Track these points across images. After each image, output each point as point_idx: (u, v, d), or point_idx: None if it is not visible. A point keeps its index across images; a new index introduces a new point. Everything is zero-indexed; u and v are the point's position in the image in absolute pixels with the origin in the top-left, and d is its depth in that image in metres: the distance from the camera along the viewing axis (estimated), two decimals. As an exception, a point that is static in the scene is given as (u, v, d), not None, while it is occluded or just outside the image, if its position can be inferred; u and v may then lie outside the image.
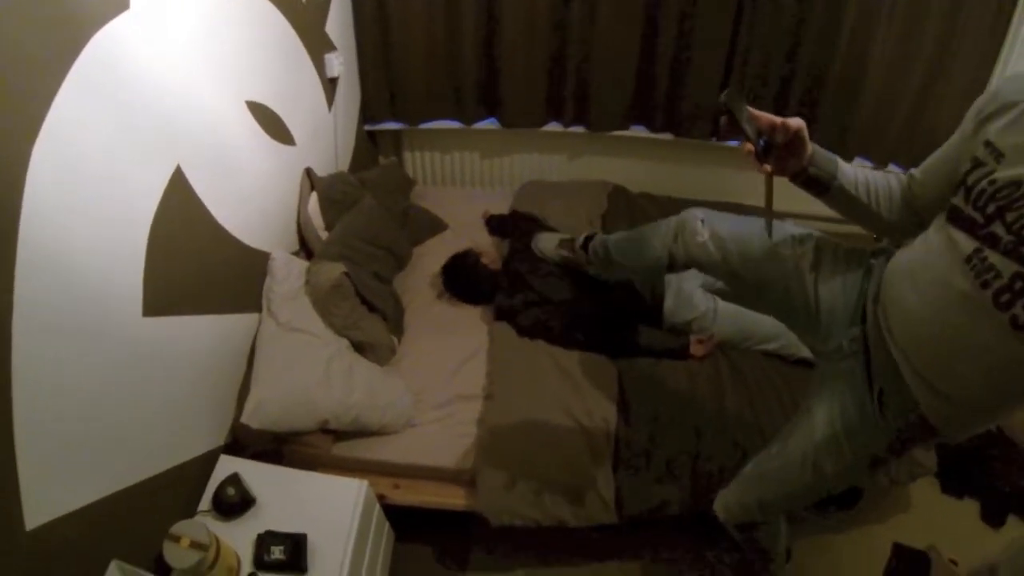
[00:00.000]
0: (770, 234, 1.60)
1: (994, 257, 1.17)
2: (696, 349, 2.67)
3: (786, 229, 1.75)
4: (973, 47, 3.28)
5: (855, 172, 1.52)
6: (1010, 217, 1.15)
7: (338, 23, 3.20)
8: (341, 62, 3.18)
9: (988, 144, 1.23)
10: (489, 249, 3.26)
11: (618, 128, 3.89)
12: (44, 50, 1.44)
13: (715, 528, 2.03)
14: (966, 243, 1.23)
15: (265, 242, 2.52)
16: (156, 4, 1.80)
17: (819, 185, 1.51)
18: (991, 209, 1.19)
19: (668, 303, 2.76)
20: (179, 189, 1.95)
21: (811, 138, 1.45)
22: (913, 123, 3.54)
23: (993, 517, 2.74)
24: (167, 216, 1.87)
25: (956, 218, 1.28)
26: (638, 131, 3.91)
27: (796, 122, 1.40)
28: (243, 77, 2.34)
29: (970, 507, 2.79)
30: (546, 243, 2.83)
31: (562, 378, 2.57)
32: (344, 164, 3.45)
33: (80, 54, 1.53)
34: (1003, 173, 1.18)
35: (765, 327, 2.66)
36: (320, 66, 3.00)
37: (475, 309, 2.99)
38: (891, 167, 3.67)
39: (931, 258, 1.33)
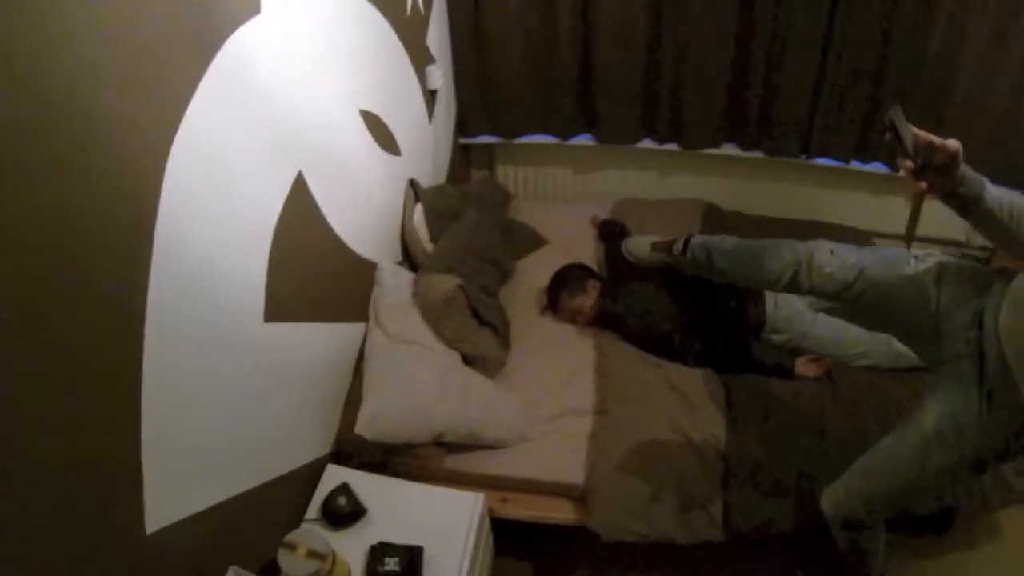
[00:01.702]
0: (909, 246, 1.65)
1: None
2: (806, 368, 2.63)
3: (908, 252, 1.81)
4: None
5: (1000, 194, 1.53)
6: None
7: (437, 36, 3.20)
8: (441, 74, 3.17)
9: None
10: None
11: (711, 146, 3.85)
12: (184, 50, 1.44)
13: (816, 543, 2.08)
14: None
15: (372, 252, 2.51)
16: (284, 9, 1.80)
17: (966, 205, 1.52)
18: None
19: (768, 306, 2.74)
20: (300, 195, 1.95)
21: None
22: (1004, 136, 3.46)
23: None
24: (288, 222, 1.86)
25: None
26: (730, 149, 3.88)
27: (954, 144, 1.42)
28: (358, 86, 2.34)
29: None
30: (638, 246, 2.79)
31: (672, 394, 2.54)
32: (441, 177, 3.44)
33: (216, 55, 1.53)
34: None
35: (859, 336, 2.65)
36: (422, 78, 2.99)
37: (579, 323, 2.96)
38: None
39: None
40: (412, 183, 2.88)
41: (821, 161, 3.79)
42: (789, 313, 2.73)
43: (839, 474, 1.97)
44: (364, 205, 2.44)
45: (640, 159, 4.02)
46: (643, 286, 2.86)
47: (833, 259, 1.93)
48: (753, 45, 3.48)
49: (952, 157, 1.43)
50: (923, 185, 1.44)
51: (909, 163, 1.44)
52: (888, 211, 3.88)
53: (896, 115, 1.43)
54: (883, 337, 2.52)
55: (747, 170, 4.00)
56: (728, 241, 2.31)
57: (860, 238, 3.50)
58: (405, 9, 2.73)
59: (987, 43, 3.30)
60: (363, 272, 2.47)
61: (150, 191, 1.33)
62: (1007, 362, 1.49)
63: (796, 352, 2.71)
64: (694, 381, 2.59)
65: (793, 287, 2.03)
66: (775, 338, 2.74)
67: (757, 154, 3.84)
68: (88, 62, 1.15)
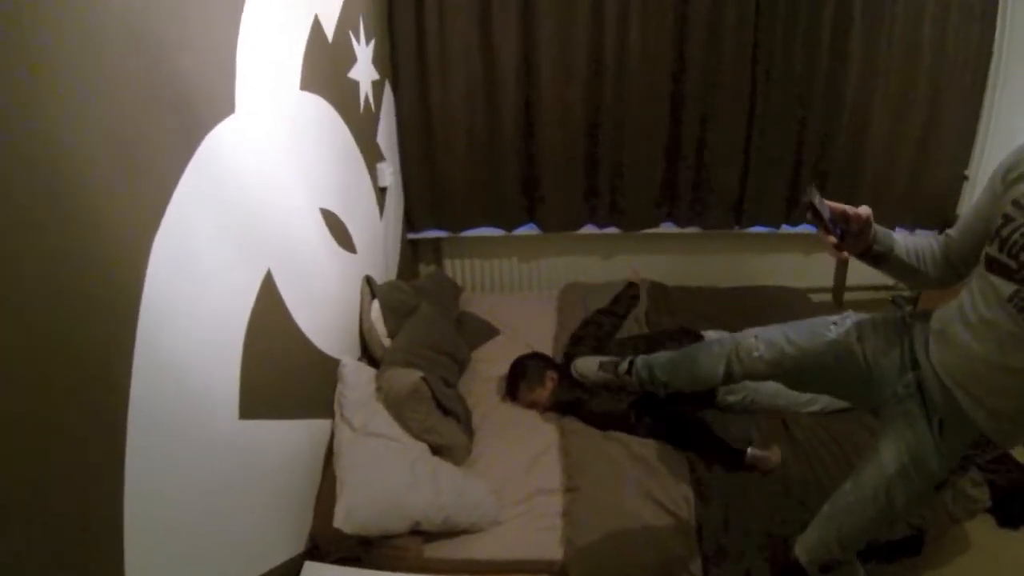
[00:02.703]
0: (840, 304, 1.82)
1: None
2: (758, 461, 2.63)
3: (826, 319, 2.03)
4: (952, 127, 3.91)
5: (905, 241, 1.76)
6: None
7: (386, 133, 3.30)
8: (391, 172, 3.25)
9: (1016, 203, 1.48)
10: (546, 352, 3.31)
11: (649, 226, 4.10)
12: (168, 145, 1.48)
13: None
14: (1006, 287, 1.49)
15: (334, 348, 2.51)
16: (255, 108, 1.86)
17: (879, 258, 1.74)
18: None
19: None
20: (269, 292, 1.96)
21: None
22: (910, 195, 3.95)
23: (1051, 541, 2.79)
24: (259, 319, 1.87)
25: (993, 266, 1.53)
26: (667, 228, 4.15)
27: (865, 210, 1.63)
28: (318, 184, 2.40)
29: (1028, 537, 2.90)
30: (586, 367, 2.88)
31: (637, 464, 2.61)
32: (392, 272, 3.48)
33: (196, 151, 1.56)
34: None
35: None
36: (373, 175, 3.06)
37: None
38: (897, 229, 3.98)
39: (978, 302, 1.58)
40: (368, 280, 2.91)
41: (754, 229, 4.12)
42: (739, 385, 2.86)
43: (807, 519, 2.04)
44: (325, 303, 2.46)
45: (583, 244, 4.22)
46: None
47: (759, 343, 2.10)
48: (683, 129, 3.81)
49: (866, 222, 1.64)
50: (845, 253, 1.66)
51: (831, 237, 1.62)
52: (818, 267, 4.17)
53: (813, 195, 1.59)
54: None
55: (685, 245, 4.29)
56: (664, 355, 2.47)
57: (797, 296, 3.75)
58: (358, 107, 2.82)
59: (889, 119, 3.85)
60: (327, 369, 2.47)
61: (135, 283, 1.33)
62: (949, 390, 1.67)
63: (751, 408, 2.87)
64: (655, 449, 2.68)
65: (730, 378, 2.20)
66: (730, 398, 2.87)
67: (694, 229, 4.13)
68: (78, 154, 1.18)
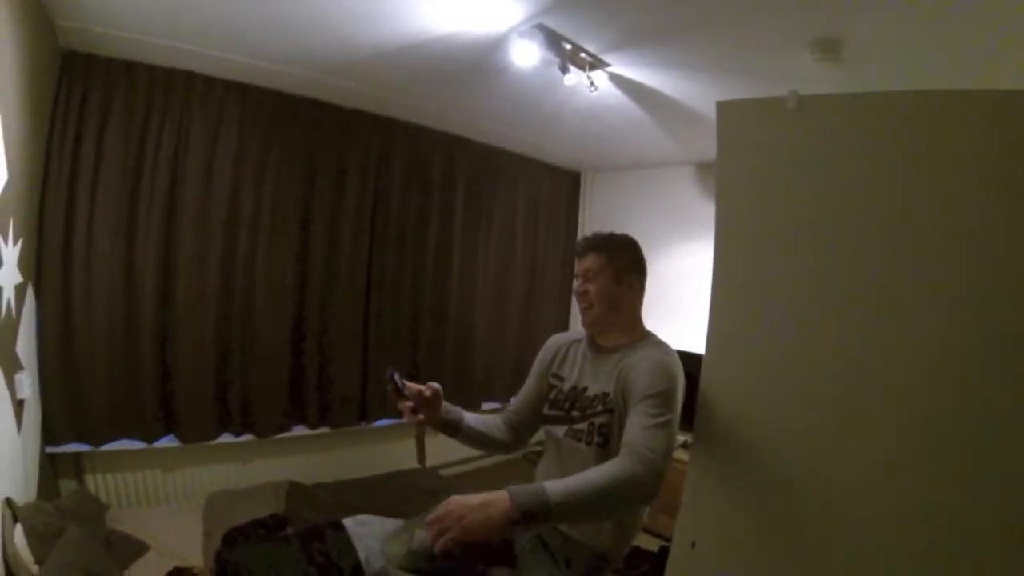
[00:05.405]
0: (424, 467, 2.24)
1: (577, 425, 2.12)
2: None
3: None
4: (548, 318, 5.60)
5: (475, 418, 2.31)
6: (577, 405, 2.16)
7: (25, 341, 3.05)
8: (30, 383, 3.00)
9: (555, 375, 2.30)
10: (197, 563, 3.27)
11: (281, 431, 4.47)
12: None
13: None
14: (560, 430, 2.19)
15: (-22, 585, 2.20)
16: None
17: (452, 427, 2.22)
18: (567, 406, 2.19)
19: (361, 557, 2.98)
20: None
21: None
22: (519, 372, 5.02)
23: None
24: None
25: (550, 420, 2.26)
26: (300, 431, 4.59)
27: (435, 385, 2.12)
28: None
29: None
30: None
31: None
32: (32, 489, 3.12)
33: None
34: (566, 386, 2.23)
35: None
36: (11, 387, 2.79)
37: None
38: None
39: (551, 452, 2.27)
40: (8, 502, 2.61)
41: (379, 423, 4.91)
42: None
43: None
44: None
45: (222, 452, 4.32)
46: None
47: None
48: (306, 343, 4.49)
49: (436, 393, 2.12)
50: (421, 417, 2.07)
51: (408, 403, 2.04)
52: (439, 447, 4.91)
53: (394, 373, 2.05)
54: None
55: (318, 444, 4.74)
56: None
57: (423, 475, 4.44)
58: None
59: (488, 330, 5.24)
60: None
61: None
62: (561, 531, 2.18)
63: None
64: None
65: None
66: None
67: (324, 429, 4.66)
68: None
